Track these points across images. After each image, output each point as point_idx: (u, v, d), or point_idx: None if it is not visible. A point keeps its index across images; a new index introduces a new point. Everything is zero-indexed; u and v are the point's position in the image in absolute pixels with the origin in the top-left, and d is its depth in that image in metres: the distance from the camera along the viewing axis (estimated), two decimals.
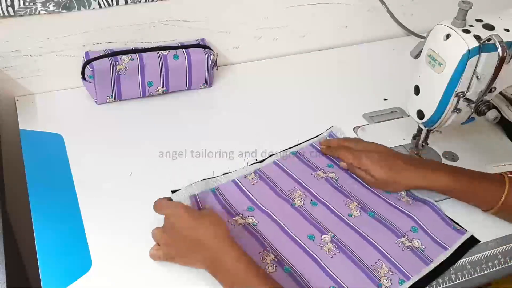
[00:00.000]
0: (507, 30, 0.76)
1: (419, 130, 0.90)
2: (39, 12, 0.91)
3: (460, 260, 0.76)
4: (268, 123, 0.98)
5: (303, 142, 0.93)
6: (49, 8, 0.91)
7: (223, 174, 0.85)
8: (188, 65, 0.99)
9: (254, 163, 0.88)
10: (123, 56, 0.95)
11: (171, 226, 0.71)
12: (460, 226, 0.80)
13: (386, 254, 0.75)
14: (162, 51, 0.98)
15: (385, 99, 1.06)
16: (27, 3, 0.89)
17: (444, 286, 0.74)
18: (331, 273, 0.72)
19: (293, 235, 0.77)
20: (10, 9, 0.89)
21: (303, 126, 0.97)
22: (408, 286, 0.72)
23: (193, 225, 0.69)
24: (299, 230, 0.78)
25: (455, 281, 0.75)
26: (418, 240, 0.77)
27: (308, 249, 0.75)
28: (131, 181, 0.84)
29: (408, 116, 0.90)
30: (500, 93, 0.94)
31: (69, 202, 0.80)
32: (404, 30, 1.25)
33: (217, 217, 0.71)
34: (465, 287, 0.76)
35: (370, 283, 0.72)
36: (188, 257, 0.70)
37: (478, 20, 0.77)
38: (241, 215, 0.79)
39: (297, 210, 0.81)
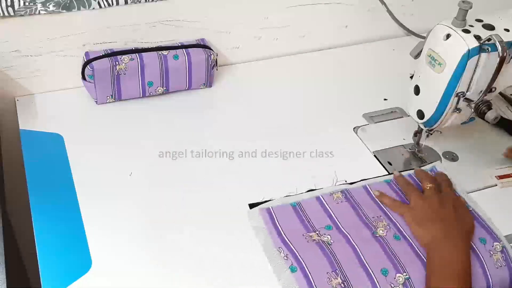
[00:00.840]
0: (507, 30, 0.76)
1: (419, 130, 0.90)
2: (39, 12, 0.91)
3: None
4: (268, 123, 0.98)
5: (402, 171, 0.88)
6: (49, 8, 0.91)
7: (308, 191, 0.83)
8: (188, 65, 0.99)
9: (343, 184, 0.85)
10: (123, 56, 0.95)
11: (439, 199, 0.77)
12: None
13: None
14: (162, 51, 0.98)
15: (385, 99, 1.06)
16: (27, 3, 0.89)
17: None
18: None
19: (366, 264, 0.72)
20: (10, 9, 0.89)
21: (303, 126, 0.97)
22: None
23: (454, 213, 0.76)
24: (374, 260, 0.73)
25: None
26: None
27: (377, 284, 0.71)
28: (131, 181, 0.84)
29: (408, 116, 0.90)
30: (500, 93, 0.94)
31: (69, 202, 0.80)
32: (404, 30, 1.25)
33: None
34: None
35: None
36: (426, 226, 0.74)
37: (478, 20, 0.77)
38: (317, 232, 0.76)
39: (377, 239, 0.76)
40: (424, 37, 0.82)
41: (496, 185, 0.89)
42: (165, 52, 0.98)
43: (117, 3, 0.95)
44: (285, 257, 0.73)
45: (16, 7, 0.89)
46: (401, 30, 1.25)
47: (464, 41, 0.74)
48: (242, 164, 0.88)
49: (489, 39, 0.73)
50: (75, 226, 0.76)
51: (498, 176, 0.89)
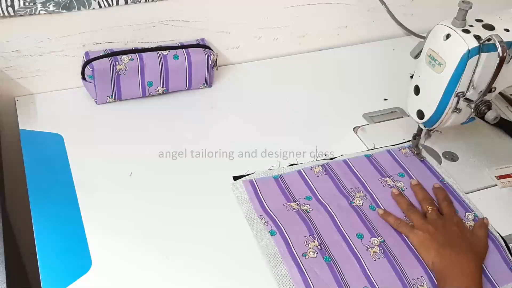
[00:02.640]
0: (507, 30, 0.76)
1: (419, 130, 0.90)
2: (39, 12, 0.91)
3: None
4: (268, 123, 0.98)
5: (380, 148, 0.92)
6: (49, 8, 0.91)
7: (290, 165, 0.88)
8: (188, 65, 0.99)
9: (324, 159, 0.89)
10: (123, 56, 0.95)
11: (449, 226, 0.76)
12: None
13: (431, 273, 0.73)
14: (162, 51, 0.98)
15: (385, 99, 1.06)
16: (27, 3, 0.89)
17: None
18: (369, 274, 0.72)
19: (342, 229, 0.77)
20: (10, 9, 0.89)
21: (303, 126, 0.97)
22: None
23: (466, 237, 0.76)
24: (350, 226, 0.78)
25: None
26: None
27: (353, 246, 0.76)
28: (131, 181, 0.84)
29: (408, 116, 0.90)
30: (500, 93, 0.94)
31: (69, 202, 0.80)
32: (404, 30, 1.25)
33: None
34: None
35: None
36: (435, 252, 0.73)
37: (478, 20, 0.77)
38: (297, 202, 0.81)
39: (353, 208, 0.81)
40: (424, 37, 0.82)
41: (496, 185, 0.89)
42: (165, 52, 0.98)
43: (117, 3, 0.95)
44: (265, 224, 0.77)
45: (16, 7, 0.89)
46: (401, 30, 1.25)
47: (464, 41, 0.74)
48: (242, 164, 0.88)
49: (489, 39, 0.73)
50: (75, 226, 0.76)
51: (498, 176, 0.89)
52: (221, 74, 1.09)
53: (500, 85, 0.79)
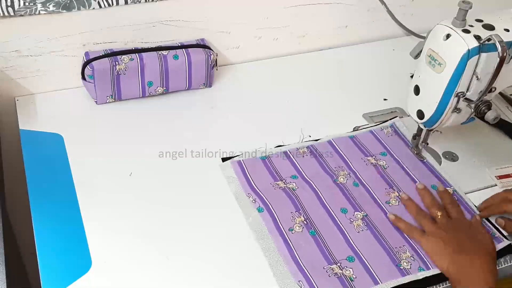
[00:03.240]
0: (507, 30, 0.76)
1: (419, 130, 0.90)
2: (39, 12, 0.91)
3: None
4: (268, 123, 0.98)
5: (363, 128, 0.96)
6: (49, 8, 0.91)
7: (276, 147, 0.91)
8: (188, 65, 0.99)
9: (309, 140, 0.93)
10: (123, 56, 0.95)
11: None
12: (500, 233, 0.80)
13: (412, 243, 0.77)
14: (162, 51, 0.98)
15: (385, 99, 1.06)
16: (27, 3, 0.89)
17: (444, 286, 0.74)
18: (353, 244, 0.76)
19: (327, 204, 0.81)
20: (10, 9, 0.89)
21: (303, 126, 0.97)
22: (426, 275, 0.73)
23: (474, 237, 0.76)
24: (334, 202, 0.82)
25: None
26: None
27: (337, 219, 0.79)
28: (131, 181, 0.84)
29: (408, 116, 0.90)
30: (500, 93, 0.94)
31: (69, 202, 0.80)
32: (404, 30, 1.25)
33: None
34: None
35: (389, 261, 0.74)
36: (449, 257, 0.73)
37: (478, 20, 0.77)
38: (284, 181, 0.85)
39: (338, 185, 0.85)
40: (424, 37, 0.82)
41: (496, 185, 0.89)
42: (165, 52, 0.98)
43: (117, 3, 0.95)
44: (253, 201, 0.81)
45: (16, 7, 0.89)
46: (401, 30, 1.25)
47: (464, 41, 0.74)
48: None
49: (489, 39, 0.73)
50: (75, 226, 0.76)
51: (498, 176, 0.89)
52: (221, 74, 1.09)
53: (500, 85, 0.79)
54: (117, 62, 0.94)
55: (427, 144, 0.91)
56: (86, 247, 0.74)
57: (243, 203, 0.81)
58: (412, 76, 0.85)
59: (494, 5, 0.89)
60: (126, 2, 0.96)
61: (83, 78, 0.96)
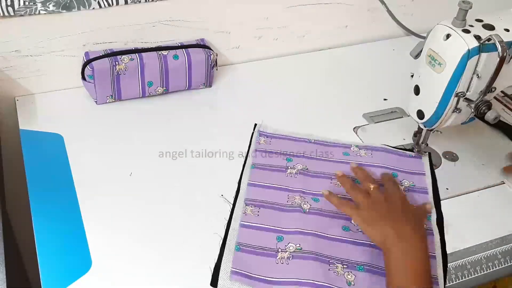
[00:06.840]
0: (507, 30, 0.76)
1: (419, 131, 0.90)
2: (39, 12, 0.91)
3: (460, 260, 0.76)
4: (268, 123, 0.98)
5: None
6: (49, 8, 0.91)
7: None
8: (188, 65, 0.99)
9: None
10: (123, 56, 0.95)
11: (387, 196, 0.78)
12: (412, 151, 0.90)
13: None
14: (162, 51, 0.98)
15: (385, 99, 1.06)
16: (27, 3, 0.89)
17: (445, 286, 0.74)
18: (304, 222, 0.78)
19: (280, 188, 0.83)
20: (10, 9, 0.89)
21: (303, 126, 0.97)
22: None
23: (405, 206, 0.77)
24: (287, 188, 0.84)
25: (455, 281, 0.75)
26: (405, 181, 0.86)
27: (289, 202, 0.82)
28: (131, 181, 0.84)
29: (408, 116, 0.90)
30: (502, 92, 0.94)
31: (69, 202, 0.80)
32: (404, 30, 1.25)
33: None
34: (466, 287, 0.76)
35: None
36: (377, 226, 0.73)
37: (478, 20, 0.77)
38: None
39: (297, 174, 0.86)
40: (424, 37, 0.82)
41: (496, 185, 0.89)
42: (165, 52, 0.98)
43: (117, 3, 0.95)
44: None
45: (16, 7, 0.89)
46: (401, 30, 1.26)
47: (464, 41, 0.74)
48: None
49: (489, 39, 0.73)
50: (75, 226, 0.76)
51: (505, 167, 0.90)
52: (221, 74, 1.09)
53: (500, 85, 0.79)
54: (117, 62, 0.94)
55: (427, 145, 0.91)
56: (86, 247, 0.74)
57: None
58: (412, 76, 0.85)
59: (494, 5, 0.89)
60: (126, 2, 0.96)
61: (83, 78, 0.96)
